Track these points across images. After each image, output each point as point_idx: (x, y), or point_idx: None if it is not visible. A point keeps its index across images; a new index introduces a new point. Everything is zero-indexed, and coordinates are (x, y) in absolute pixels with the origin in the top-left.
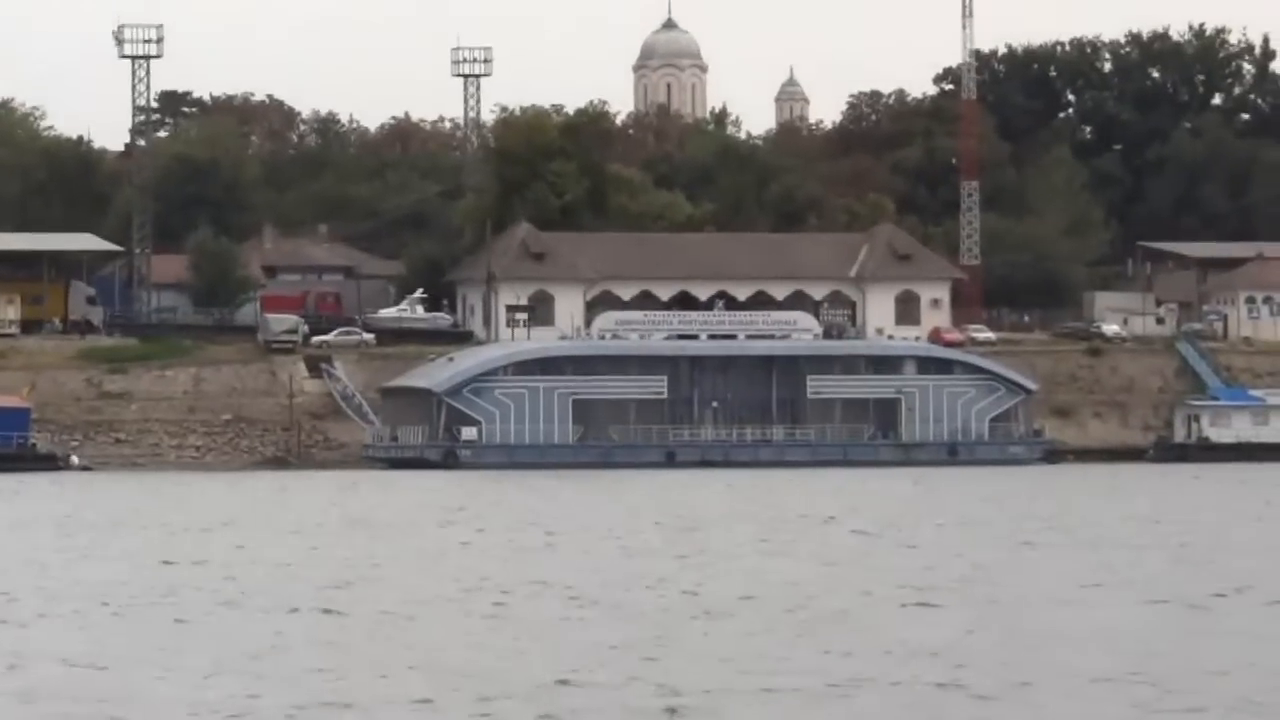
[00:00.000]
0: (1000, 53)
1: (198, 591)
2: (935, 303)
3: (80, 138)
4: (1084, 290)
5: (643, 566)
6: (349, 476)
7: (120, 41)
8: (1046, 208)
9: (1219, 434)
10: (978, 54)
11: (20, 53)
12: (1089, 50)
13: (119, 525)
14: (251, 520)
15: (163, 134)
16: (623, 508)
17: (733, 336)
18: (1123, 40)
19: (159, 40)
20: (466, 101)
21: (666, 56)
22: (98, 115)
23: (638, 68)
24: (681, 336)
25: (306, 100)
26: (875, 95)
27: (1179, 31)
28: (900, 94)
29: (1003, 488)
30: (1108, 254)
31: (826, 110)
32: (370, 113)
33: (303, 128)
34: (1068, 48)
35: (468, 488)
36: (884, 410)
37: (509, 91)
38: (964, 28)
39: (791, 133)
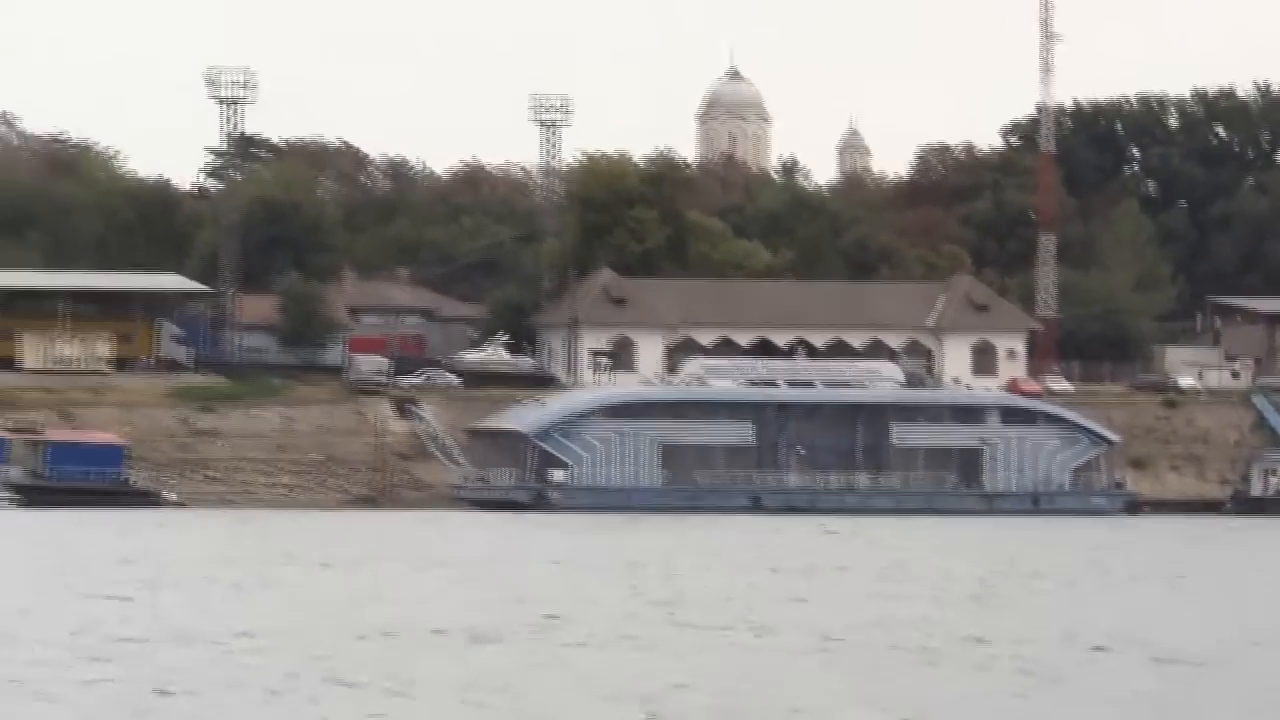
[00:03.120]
0: (1067, 108)
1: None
2: (1011, 353)
3: (162, 178)
4: (1152, 343)
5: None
6: (471, 526)
7: (212, 84)
8: (1114, 261)
9: None
10: (1045, 109)
11: (94, 94)
12: (1155, 107)
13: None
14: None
15: (236, 176)
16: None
17: (811, 384)
18: (1188, 97)
19: (250, 85)
20: (544, 148)
21: (731, 107)
22: (164, 156)
23: (702, 117)
24: (765, 383)
25: (376, 144)
26: (944, 148)
27: (1244, 90)
28: (969, 147)
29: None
30: (1175, 308)
31: (887, 162)
32: (439, 157)
33: (374, 171)
34: (1134, 104)
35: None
36: (967, 459)
37: (574, 138)
38: (1042, 83)
39: (856, 183)
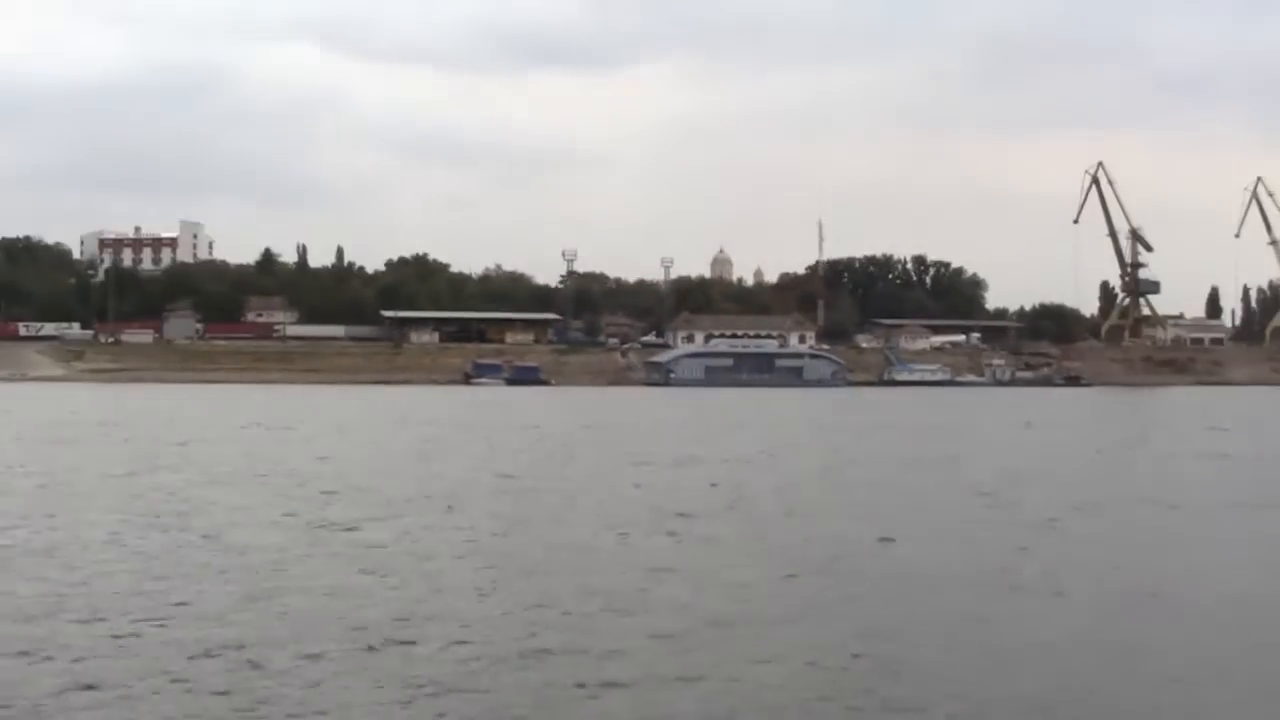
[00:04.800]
0: (829, 260)
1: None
2: (809, 339)
3: (543, 283)
4: (855, 335)
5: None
6: (646, 390)
7: (564, 255)
8: (840, 312)
9: (900, 377)
10: (820, 261)
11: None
12: (856, 262)
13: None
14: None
15: (572, 284)
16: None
17: (748, 347)
18: (861, 258)
19: (573, 254)
20: (665, 274)
21: (721, 264)
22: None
23: (712, 265)
24: (733, 345)
25: (611, 269)
26: (787, 273)
27: (896, 258)
28: (797, 273)
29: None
30: (860, 322)
31: (770, 278)
32: (633, 273)
33: (610, 280)
34: (850, 259)
35: (702, 397)
36: (798, 369)
37: (674, 272)
38: (819, 250)
39: (760, 285)
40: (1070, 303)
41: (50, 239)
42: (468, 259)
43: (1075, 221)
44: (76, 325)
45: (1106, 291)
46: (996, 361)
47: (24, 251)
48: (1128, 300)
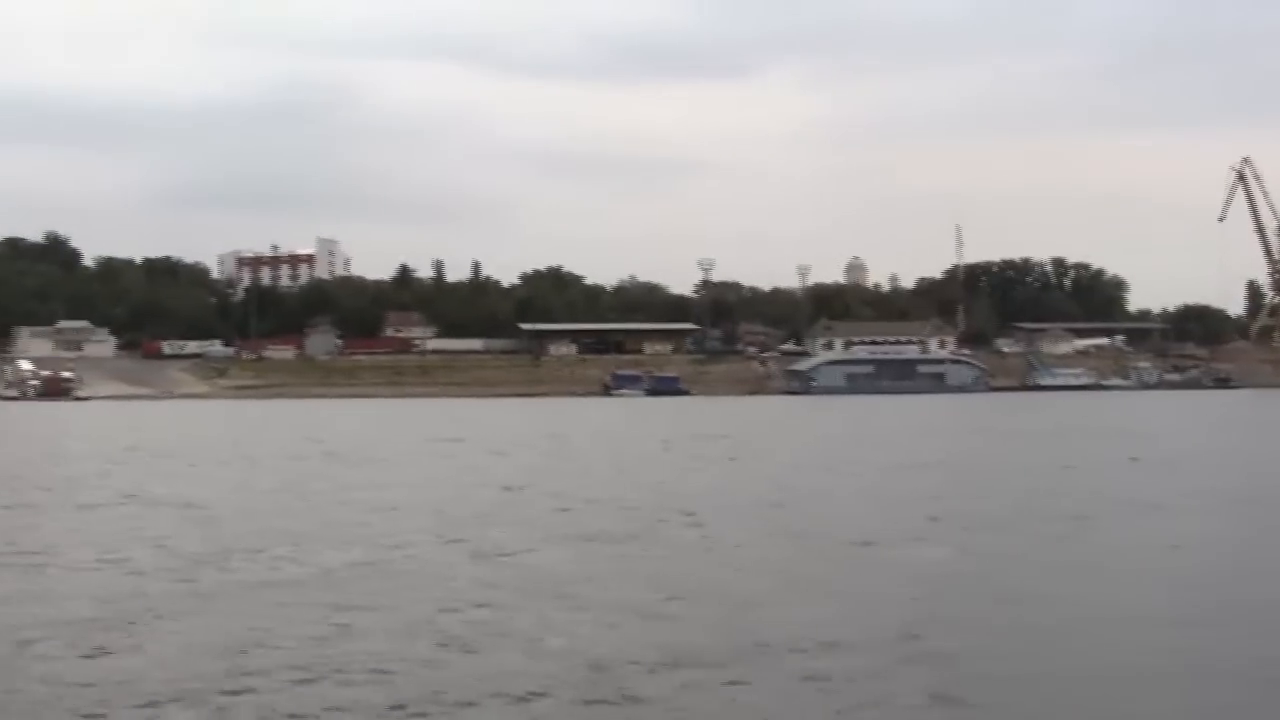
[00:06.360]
0: (968, 263)
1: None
2: (950, 343)
3: (677, 293)
4: (995, 340)
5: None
6: (788, 399)
7: (703, 268)
8: (982, 317)
9: (1043, 382)
10: (958, 265)
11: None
12: (994, 265)
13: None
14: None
15: (703, 293)
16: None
17: (888, 354)
18: (1000, 262)
19: (711, 271)
20: (801, 281)
21: (855, 269)
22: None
23: (847, 270)
24: (876, 353)
25: (745, 279)
26: (923, 279)
27: (1035, 260)
28: (934, 278)
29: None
30: (1000, 326)
31: (906, 283)
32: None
33: (744, 289)
34: (991, 262)
35: (847, 405)
36: (940, 375)
37: (811, 279)
38: (956, 254)
39: (897, 290)
40: (1215, 303)
41: (189, 258)
42: (601, 270)
43: (1220, 219)
44: (219, 343)
45: (1254, 291)
46: (1142, 364)
47: (165, 272)
48: (1277, 299)
